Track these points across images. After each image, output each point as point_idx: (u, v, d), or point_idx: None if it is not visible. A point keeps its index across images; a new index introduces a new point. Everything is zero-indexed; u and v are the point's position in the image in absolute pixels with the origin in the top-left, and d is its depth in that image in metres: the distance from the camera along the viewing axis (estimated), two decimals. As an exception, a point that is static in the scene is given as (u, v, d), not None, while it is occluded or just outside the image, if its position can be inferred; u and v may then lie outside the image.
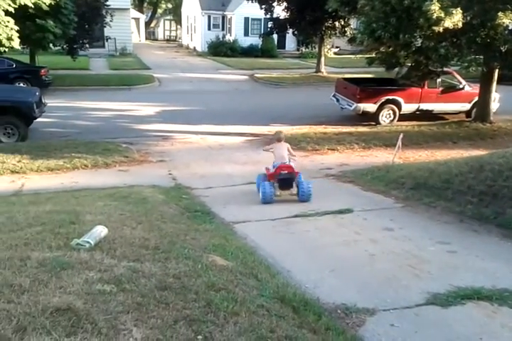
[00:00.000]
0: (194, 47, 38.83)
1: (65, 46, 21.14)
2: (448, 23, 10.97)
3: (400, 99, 14.08)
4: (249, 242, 5.74)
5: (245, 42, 34.17)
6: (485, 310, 4.06)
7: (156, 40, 53.15)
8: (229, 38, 34.95)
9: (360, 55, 17.29)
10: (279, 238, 6.00)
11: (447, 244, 5.61)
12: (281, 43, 35.37)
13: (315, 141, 11.78)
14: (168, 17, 56.32)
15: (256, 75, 24.10)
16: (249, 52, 33.54)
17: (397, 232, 6.08)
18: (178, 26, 52.26)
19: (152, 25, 55.72)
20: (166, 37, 55.13)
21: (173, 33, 55.87)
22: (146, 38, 49.96)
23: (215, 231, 5.75)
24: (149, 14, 55.08)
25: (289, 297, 3.88)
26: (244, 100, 18.05)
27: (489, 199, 6.65)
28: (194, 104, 16.61)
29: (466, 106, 14.51)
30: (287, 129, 13.29)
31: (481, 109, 13.89)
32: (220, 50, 33.33)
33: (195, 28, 39.21)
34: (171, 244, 4.55)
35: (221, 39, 34.45)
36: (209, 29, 36.59)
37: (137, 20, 45.12)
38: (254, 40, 32.48)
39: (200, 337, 2.86)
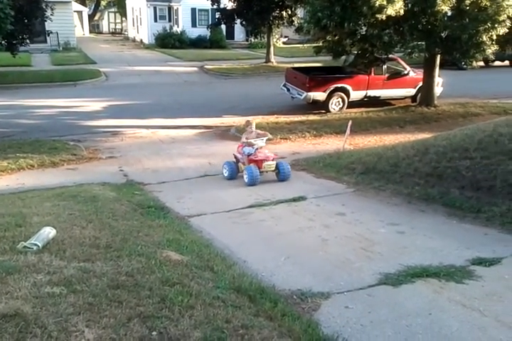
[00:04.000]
0: (141, 40, 37.92)
1: (3, 42, 20.09)
2: (390, 11, 11.23)
3: (349, 87, 14.32)
4: (205, 235, 5.73)
5: (193, 33, 33.67)
6: (433, 286, 4.24)
7: (101, 33, 51.47)
8: (176, 29, 34.34)
9: (308, 44, 17.45)
10: (235, 229, 6.02)
11: (397, 225, 5.81)
12: (230, 34, 35.11)
13: (267, 131, 11.78)
14: (113, 9, 54.55)
15: (206, 67, 23.85)
16: (198, 43, 33.10)
17: (349, 216, 6.23)
18: (124, 19, 50.78)
19: (96, 18, 53.86)
20: (111, 30, 53.45)
21: (119, 26, 54.23)
22: (91, 32, 48.26)
23: (170, 226, 5.69)
24: (92, 7, 53.20)
25: (245, 286, 3.91)
26: (195, 92, 17.86)
27: (435, 180, 6.93)
28: (143, 98, 16.27)
29: (412, 92, 14.95)
30: (239, 120, 13.33)
31: (425, 94, 14.35)
32: (168, 41, 32.69)
33: (140, 20, 38.24)
34: (123, 242, 4.47)
35: (168, 31, 33.78)
36: (155, 21, 35.78)
37: (80, 13, 43.48)
38: (203, 31, 32.09)
39: (154, 333, 2.83)
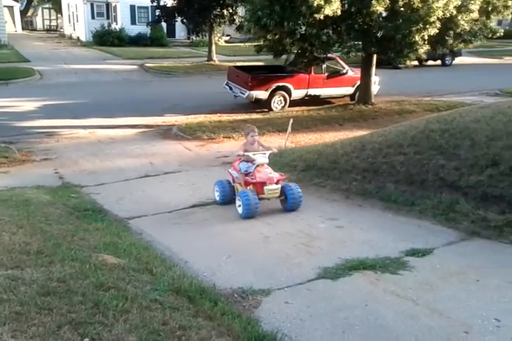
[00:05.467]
0: (78, 37, 36.59)
1: None
2: (328, 11, 11.47)
3: (290, 86, 14.51)
4: (145, 237, 5.61)
5: (133, 31, 32.92)
6: (369, 278, 4.37)
7: (35, 30, 49.18)
8: (115, 26, 33.42)
9: (250, 43, 17.52)
10: (177, 230, 5.93)
11: (336, 220, 5.94)
12: (171, 32, 34.63)
13: (210, 130, 11.77)
14: (47, 5, 52.28)
15: (146, 65, 23.39)
16: (138, 41, 32.40)
17: (291, 213, 6.30)
18: (59, 15, 48.80)
19: (29, 14, 51.42)
20: (45, 27, 51.20)
21: (54, 23, 52.07)
22: (23, 28, 45.95)
23: (107, 229, 5.51)
24: (24, 2, 50.70)
25: (185, 287, 3.86)
26: (135, 91, 17.46)
27: (371, 175, 7.14)
28: (80, 97, 15.70)
29: (350, 90, 15.37)
30: (182, 119, 13.20)
31: (363, 92, 14.80)
32: (107, 39, 31.77)
33: (77, 16, 36.89)
34: (56, 247, 4.27)
35: (107, 28, 32.81)
36: (93, 18, 34.65)
37: (11, 8, 41.30)
38: (143, 28, 31.41)
39: (86, 339, 2.72)
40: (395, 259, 4.70)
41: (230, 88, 15.01)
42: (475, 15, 13.01)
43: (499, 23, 42.35)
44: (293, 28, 12.46)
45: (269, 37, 13.67)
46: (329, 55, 14.56)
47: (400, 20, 12.13)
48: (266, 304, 3.98)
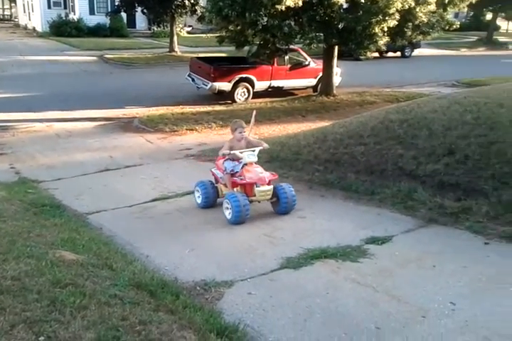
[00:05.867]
0: (34, 28, 35.27)
1: None
2: (289, 2, 11.47)
3: (253, 77, 14.46)
4: (105, 232, 5.49)
5: (92, 21, 31.94)
6: (331, 266, 4.43)
7: (-13, 19, 47.13)
8: (73, 16, 32.36)
9: (212, 34, 17.31)
10: (138, 224, 5.84)
11: (299, 210, 5.97)
12: (131, 22, 33.81)
13: (173, 122, 11.61)
14: (0, -7, 50.16)
15: (106, 56, 22.79)
16: (97, 31, 31.48)
17: (255, 205, 6.29)
18: (13, 4, 46.83)
19: (-20, 2, 49.18)
20: (-2, 16, 49.14)
21: (7, 12, 49.99)
22: (-26, 17, 44.00)
23: (65, 224, 5.36)
24: (-26, -10, 48.46)
25: (146, 282, 3.81)
26: (95, 82, 17.00)
27: (333, 166, 7.23)
28: (37, 89, 15.16)
29: (313, 82, 15.46)
30: (143, 111, 12.96)
31: (325, 84, 14.91)
32: (64, 29, 30.72)
33: (32, 6, 35.52)
34: (11, 244, 4.12)
35: (64, 18, 31.74)
36: (49, 7, 33.42)
37: (-40, -4, 39.40)
38: (102, 18, 30.53)
39: (42, 338, 2.65)
40: (356, 247, 4.78)
41: (193, 79, 14.84)
42: (432, 7, 13.31)
43: (456, 15, 43.51)
44: (255, 19, 12.39)
45: (230, 28, 13.55)
46: (291, 46, 14.58)
47: (361, 12, 12.27)
48: (229, 296, 3.98)
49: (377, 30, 12.38)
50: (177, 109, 13.08)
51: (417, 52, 27.17)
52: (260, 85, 14.64)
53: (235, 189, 5.84)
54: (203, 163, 8.64)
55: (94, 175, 7.98)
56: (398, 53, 26.04)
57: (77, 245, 4.49)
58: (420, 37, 14.64)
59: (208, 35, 17.93)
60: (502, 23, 46.79)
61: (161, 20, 24.83)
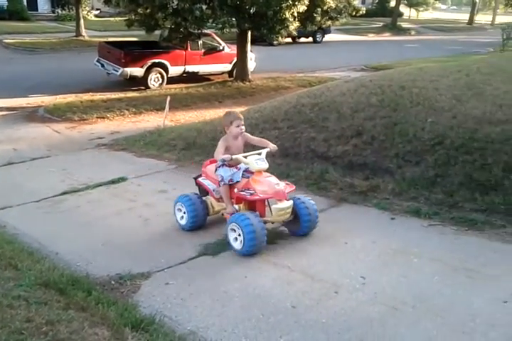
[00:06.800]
0: None
1: None
2: (199, -15, 11.27)
3: (166, 62, 14.11)
4: (10, 230, 5.11)
5: (-14, 2, 29.31)
6: (248, 250, 4.45)
7: None
8: (-37, -3, 29.45)
9: (120, 18, 16.61)
10: (47, 219, 5.50)
11: (216, 197, 5.95)
12: (33, 4, 31.41)
13: (82, 110, 11.05)
14: None
15: (5, 41, 21.08)
16: (-7, 14, 28.95)
17: (171, 193, 6.16)
18: None
19: None
20: None
21: None
22: None
23: (-38, 224, 4.93)
24: None
25: (55, 280, 3.61)
26: (-7, 70, 15.69)
27: (249, 150, 7.27)
28: None
29: (228, 67, 15.41)
30: (49, 99, 12.21)
31: (240, 69, 14.92)
32: (-46, 11, 27.93)
33: None
34: None
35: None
36: None
37: None
38: (-2, 0, 28.13)
39: None
40: (271, 229, 4.85)
41: (102, 65, 14.18)
42: (340, -7, 13.74)
43: (363, 1, 45.35)
44: (164, 1, 12.08)
45: (139, 11, 13.12)
46: (204, 31, 14.39)
47: (271, -3, 12.33)
48: (145, 287, 3.89)
49: (287, 15, 12.56)
50: (86, 97, 12.46)
51: (327, 37, 28.00)
52: (174, 70, 14.33)
53: (235, 205, 4.57)
54: (115, 153, 8.35)
55: (-5, 170, 7.39)
56: (310, 39, 26.70)
57: (-25, 246, 4.15)
58: (329, 22, 15.10)
59: (117, 18, 17.21)
60: (405, 10, 49.55)
61: (66, 3, 23.39)
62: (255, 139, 4.85)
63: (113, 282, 3.95)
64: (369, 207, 5.42)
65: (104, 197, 6.18)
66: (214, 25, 13.05)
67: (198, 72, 14.91)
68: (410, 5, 49.51)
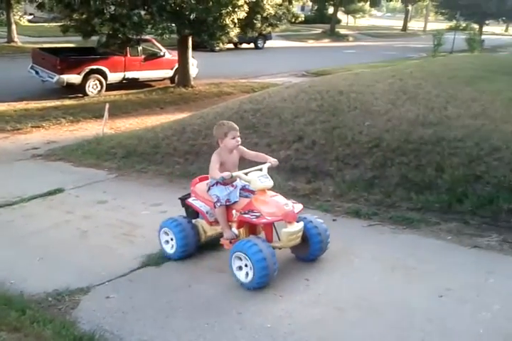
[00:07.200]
0: None
1: None
2: (135, -10, 11.09)
3: (105, 69, 13.79)
4: None
5: None
6: (192, 258, 4.38)
7: None
8: None
9: (55, 23, 16.05)
10: (-24, 236, 5.18)
11: (159, 205, 5.84)
12: (-41, 8, 29.73)
13: (15, 120, 10.59)
14: None
15: None
16: None
17: (111, 203, 6.01)
18: None
19: None
20: None
21: None
22: None
23: None
24: None
25: (-16, 300, 3.40)
26: None
27: (193, 157, 7.22)
28: None
29: (169, 73, 15.25)
30: (-22, 109, 11.55)
31: (181, 75, 14.82)
32: None
33: None
34: None
35: None
36: None
37: None
38: None
39: None
40: (214, 239, 4.80)
41: (37, 72, 13.64)
42: (279, 0, 13.97)
43: (302, 8, 46.32)
44: (101, 7, 11.81)
45: (75, 16, 12.75)
46: (144, 36, 14.18)
47: (211, 3, 12.36)
48: (85, 302, 3.73)
49: (228, 21, 12.62)
50: (20, 105, 11.97)
51: (269, 43, 28.41)
52: (113, 77, 14.01)
53: (234, 229, 4.02)
54: (51, 163, 8.03)
55: None
56: (252, 45, 26.95)
57: None
58: (269, 28, 15.31)
59: (51, 24, 16.62)
60: (342, 17, 51.18)
61: (-5, 7, 22.27)
62: (251, 153, 4.31)
63: (50, 299, 3.76)
64: (312, 209, 5.48)
65: (39, 210, 5.91)
66: (153, 31, 12.90)
67: (138, 79, 14.66)
68: (347, 12, 51.26)
